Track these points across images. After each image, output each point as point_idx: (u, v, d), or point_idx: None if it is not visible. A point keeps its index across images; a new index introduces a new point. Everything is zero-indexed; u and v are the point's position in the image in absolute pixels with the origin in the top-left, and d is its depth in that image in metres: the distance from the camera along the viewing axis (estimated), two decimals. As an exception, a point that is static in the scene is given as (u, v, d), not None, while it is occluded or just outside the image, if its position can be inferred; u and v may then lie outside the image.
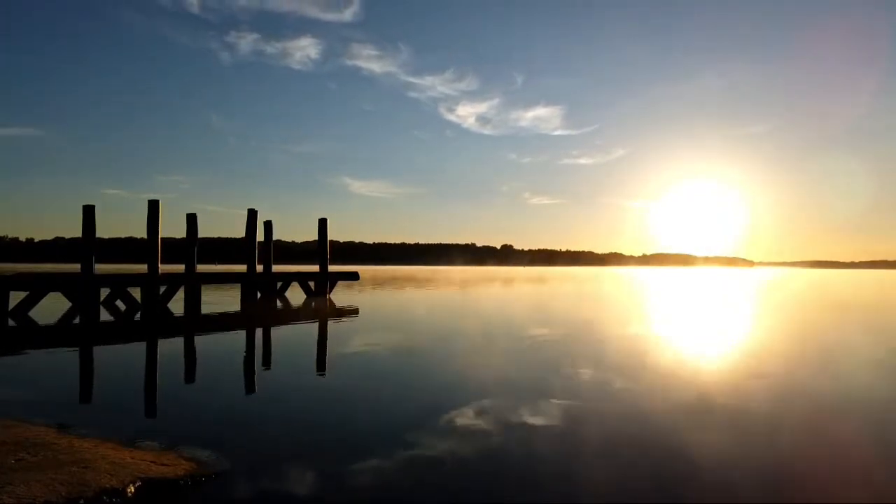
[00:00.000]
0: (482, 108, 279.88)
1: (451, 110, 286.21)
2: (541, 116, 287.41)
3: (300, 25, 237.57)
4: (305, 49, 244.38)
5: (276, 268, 23.04)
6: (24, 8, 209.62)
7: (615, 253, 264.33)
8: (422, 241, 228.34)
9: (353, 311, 17.06)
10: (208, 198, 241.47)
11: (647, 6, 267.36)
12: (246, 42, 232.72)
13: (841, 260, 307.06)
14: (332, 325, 13.66)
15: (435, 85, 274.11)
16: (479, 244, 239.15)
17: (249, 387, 7.03)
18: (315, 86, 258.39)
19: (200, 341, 11.06)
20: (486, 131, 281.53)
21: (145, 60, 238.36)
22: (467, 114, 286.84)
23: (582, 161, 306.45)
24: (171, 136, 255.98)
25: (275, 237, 23.07)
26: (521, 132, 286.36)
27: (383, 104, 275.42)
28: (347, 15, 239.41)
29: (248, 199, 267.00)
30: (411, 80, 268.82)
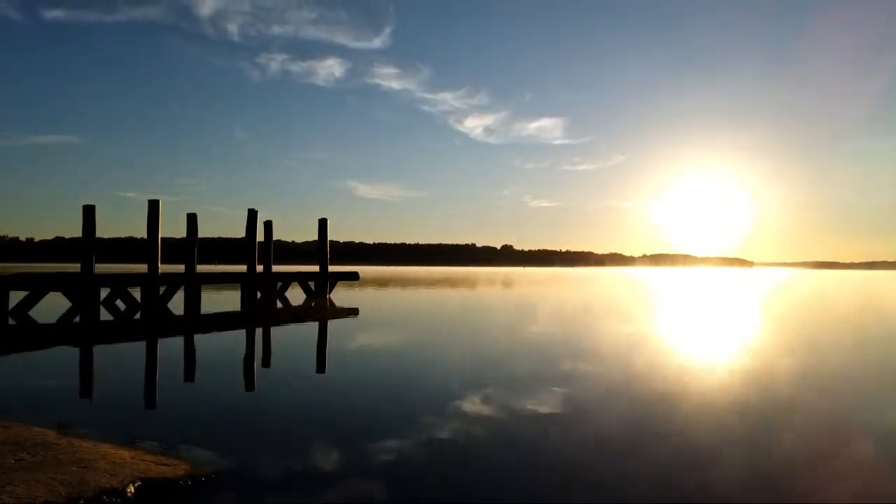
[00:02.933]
0: (489, 120, 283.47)
1: (460, 122, 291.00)
2: (544, 127, 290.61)
3: (330, 50, 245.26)
4: (331, 68, 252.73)
5: (276, 268, 23.02)
6: (76, 33, 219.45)
7: (615, 253, 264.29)
8: (422, 242, 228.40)
9: (353, 312, 17.06)
10: (212, 200, 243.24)
11: (649, 22, 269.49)
12: (276, 63, 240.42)
13: (842, 261, 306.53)
14: (332, 325, 13.66)
15: (448, 100, 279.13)
16: (479, 245, 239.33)
17: (249, 386, 7.03)
18: (335, 100, 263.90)
19: (200, 341, 11.05)
20: (491, 140, 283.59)
21: (181, 79, 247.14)
22: (475, 125, 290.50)
23: (582, 167, 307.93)
24: (191, 145, 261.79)
25: (275, 237, 23.05)
26: (524, 140, 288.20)
27: (395, 116, 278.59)
28: (376, 43, 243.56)
29: (252, 201, 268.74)
30: (427, 95, 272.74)
